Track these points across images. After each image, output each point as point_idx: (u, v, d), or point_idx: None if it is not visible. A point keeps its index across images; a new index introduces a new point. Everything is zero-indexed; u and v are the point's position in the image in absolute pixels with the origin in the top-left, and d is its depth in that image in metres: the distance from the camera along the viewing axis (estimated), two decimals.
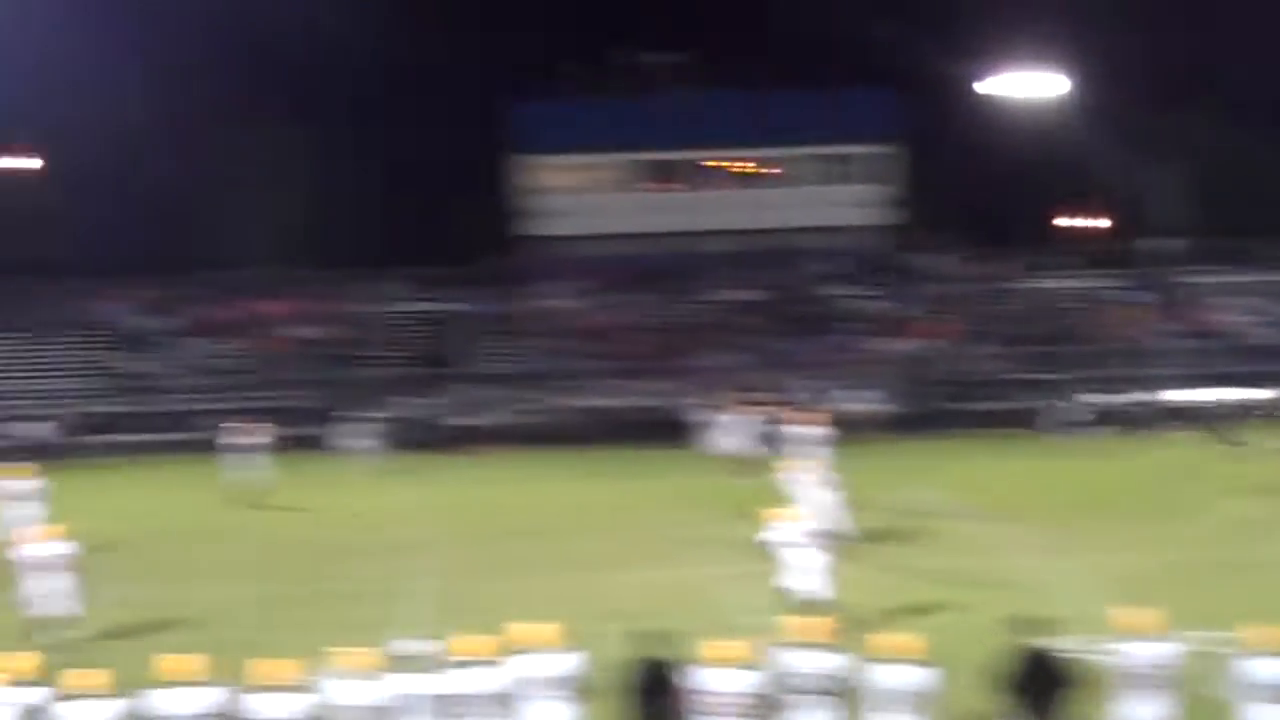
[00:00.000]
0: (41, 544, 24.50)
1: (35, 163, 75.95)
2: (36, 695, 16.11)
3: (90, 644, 24.18)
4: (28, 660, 16.53)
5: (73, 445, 51.72)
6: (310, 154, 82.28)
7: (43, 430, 51.32)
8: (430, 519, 37.50)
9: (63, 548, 24.49)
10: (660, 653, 17.24)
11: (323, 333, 64.33)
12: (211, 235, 76.09)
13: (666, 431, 51.02)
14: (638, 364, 60.15)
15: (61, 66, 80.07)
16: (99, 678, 16.29)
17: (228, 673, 16.86)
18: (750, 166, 71.82)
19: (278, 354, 62.95)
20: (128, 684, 16.43)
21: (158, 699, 16.24)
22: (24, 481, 31.80)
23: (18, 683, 16.18)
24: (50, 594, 24.29)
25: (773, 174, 71.54)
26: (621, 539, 33.75)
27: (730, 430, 44.35)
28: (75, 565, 24.69)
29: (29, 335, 64.90)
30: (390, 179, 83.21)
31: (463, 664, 16.66)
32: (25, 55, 79.38)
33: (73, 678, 16.35)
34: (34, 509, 30.77)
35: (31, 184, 76.87)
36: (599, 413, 54.65)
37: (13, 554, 24.93)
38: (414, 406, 53.75)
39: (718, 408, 46.87)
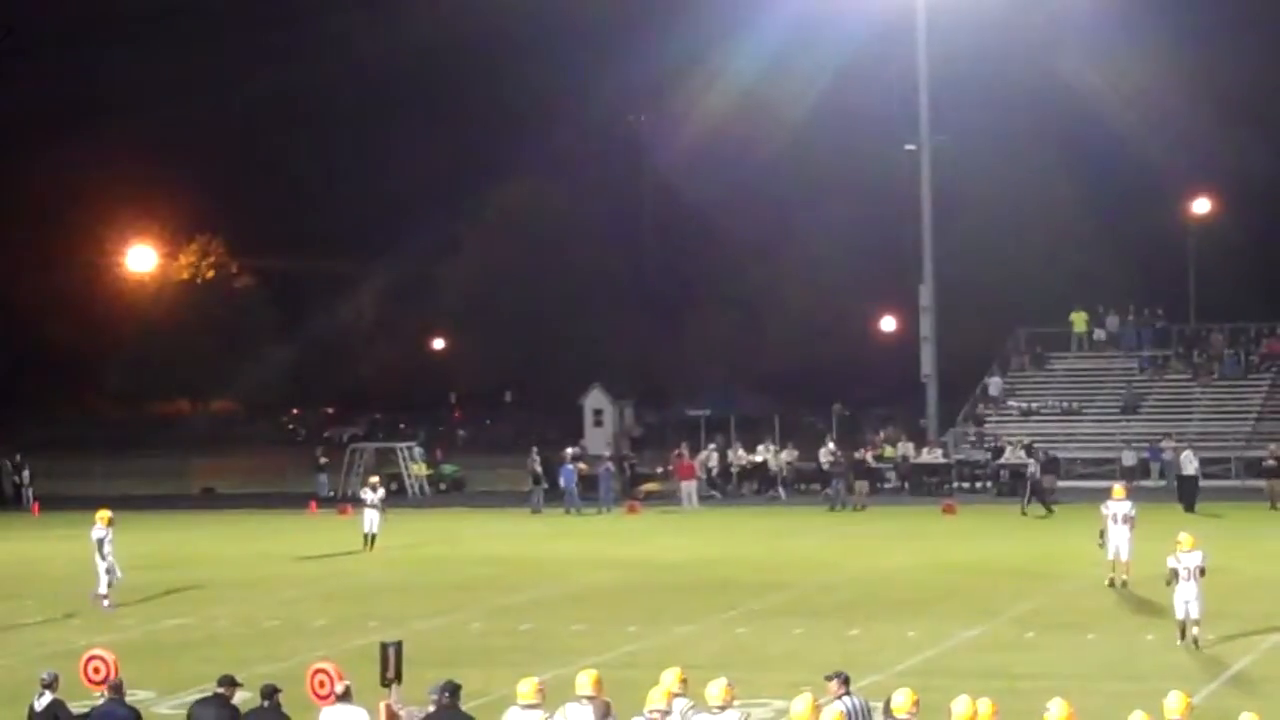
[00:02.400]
0: (1187, 554, 27.18)
1: (1215, 204, 76.19)
2: None
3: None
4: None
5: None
6: None
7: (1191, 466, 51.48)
8: None
9: (1198, 559, 27.16)
10: None
11: None
12: None
13: None
14: None
15: (1239, 107, 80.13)
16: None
17: None
18: None
19: None
20: None
21: None
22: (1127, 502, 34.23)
23: None
24: (1190, 599, 27.04)
25: None
26: None
27: None
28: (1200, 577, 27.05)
29: (1213, 378, 65.10)
30: None
31: None
32: (1202, 102, 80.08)
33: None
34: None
35: (1212, 226, 77.24)
36: None
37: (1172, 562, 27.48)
38: None
39: None
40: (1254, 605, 31.09)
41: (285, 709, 17.55)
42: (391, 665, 18.27)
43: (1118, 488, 35.47)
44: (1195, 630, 27.08)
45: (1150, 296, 71.36)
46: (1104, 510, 34.27)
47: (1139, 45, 79.52)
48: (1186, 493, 50.26)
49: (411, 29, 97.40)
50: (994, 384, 66.74)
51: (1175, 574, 27.16)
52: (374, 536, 44.15)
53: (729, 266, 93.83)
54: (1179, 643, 27.15)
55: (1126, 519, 33.80)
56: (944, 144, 66.30)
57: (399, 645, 18.54)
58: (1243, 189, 78.31)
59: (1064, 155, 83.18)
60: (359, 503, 47.40)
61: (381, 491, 45.73)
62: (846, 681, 17.45)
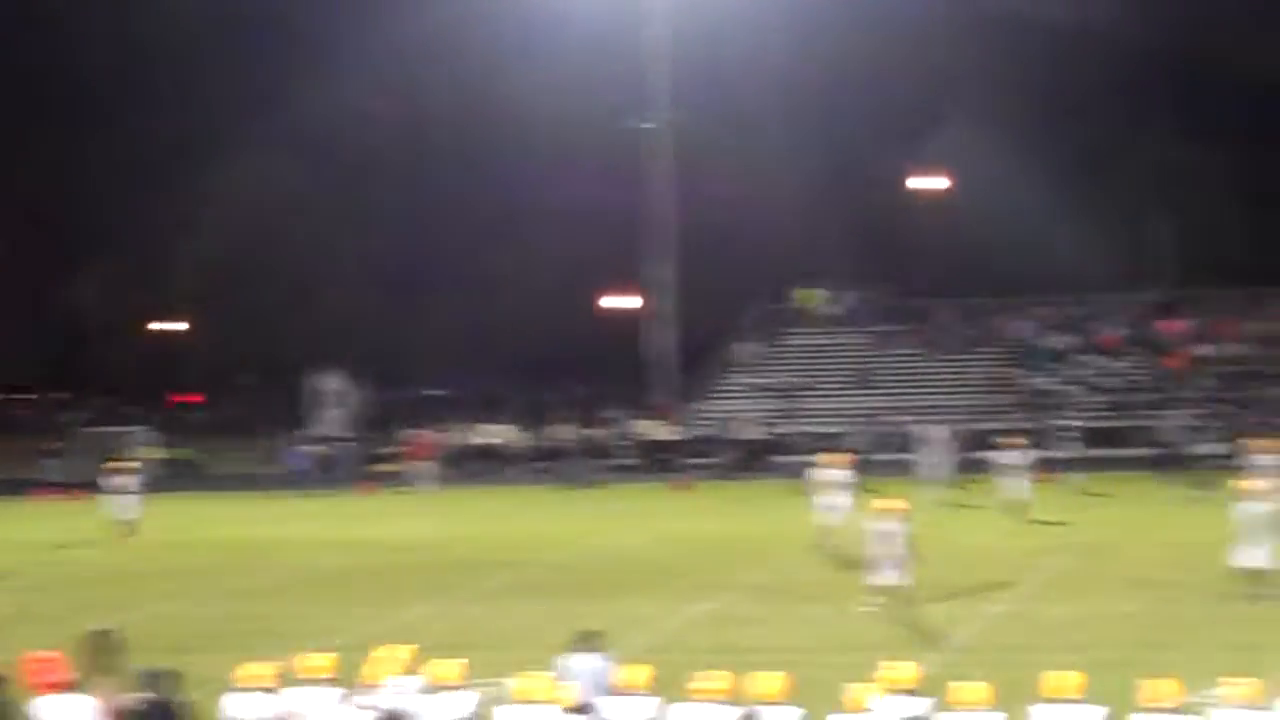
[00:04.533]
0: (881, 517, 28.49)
1: (943, 183, 77.59)
2: (918, 706, 15.73)
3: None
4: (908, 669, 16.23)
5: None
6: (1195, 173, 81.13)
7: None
8: None
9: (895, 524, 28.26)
10: None
11: (1222, 351, 62.63)
12: (1109, 253, 75.98)
13: None
14: None
15: (966, 87, 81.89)
16: (979, 692, 15.73)
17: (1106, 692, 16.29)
18: None
19: (1175, 372, 61.85)
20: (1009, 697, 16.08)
21: (1038, 715, 15.58)
22: (840, 470, 36.44)
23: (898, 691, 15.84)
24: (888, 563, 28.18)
25: None
26: None
27: None
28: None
29: (938, 351, 66.53)
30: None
31: None
32: (932, 77, 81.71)
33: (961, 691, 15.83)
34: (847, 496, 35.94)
35: (940, 205, 78.72)
36: None
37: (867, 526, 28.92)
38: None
39: None
40: (976, 576, 31.86)
41: (15, 699, 17.19)
42: (102, 653, 17.94)
43: (825, 456, 37.65)
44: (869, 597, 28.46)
45: (881, 273, 72.72)
46: (813, 477, 36.39)
47: (864, 25, 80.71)
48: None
49: (142, 5, 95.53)
50: (746, 350, 67.94)
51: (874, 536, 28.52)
52: (133, 523, 43.32)
53: (466, 246, 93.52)
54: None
55: (836, 486, 35.73)
56: (679, 122, 66.92)
57: (111, 632, 18.23)
58: (971, 166, 79.82)
59: (796, 133, 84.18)
60: (98, 489, 46.37)
61: (140, 477, 45.12)
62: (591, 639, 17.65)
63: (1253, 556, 28.16)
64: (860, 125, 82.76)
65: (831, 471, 36.09)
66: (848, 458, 38.46)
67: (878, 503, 29.36)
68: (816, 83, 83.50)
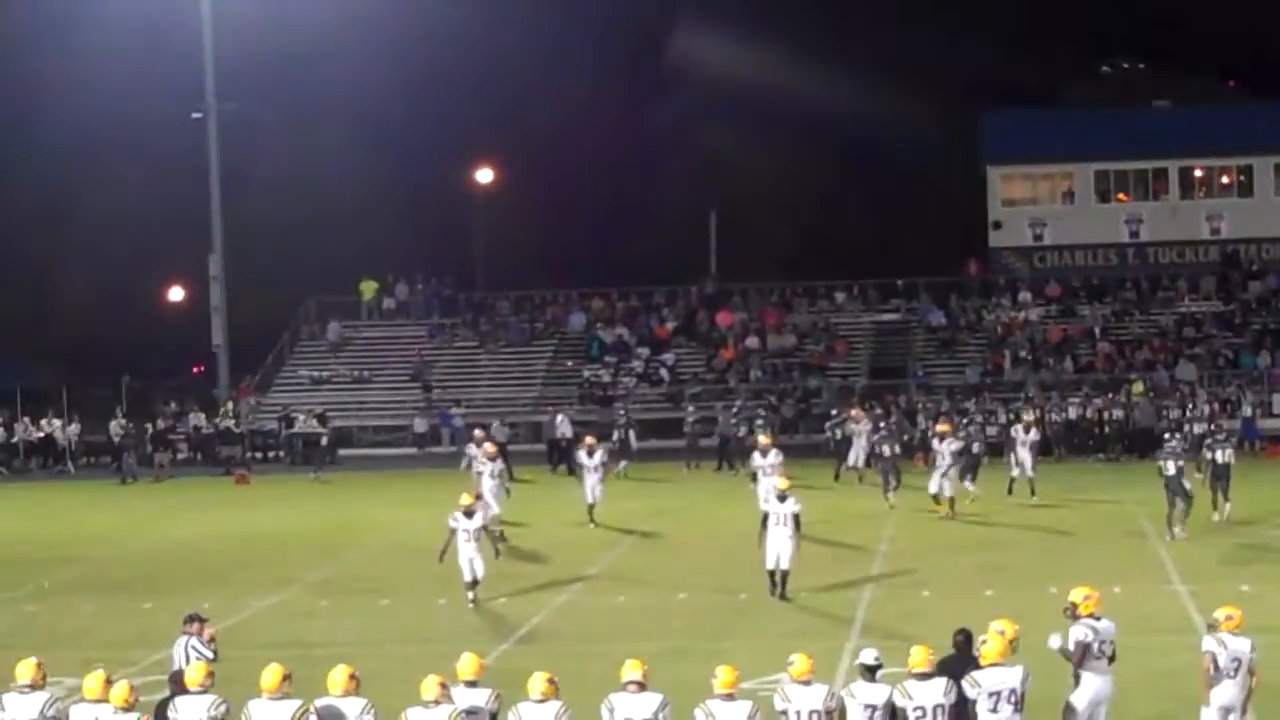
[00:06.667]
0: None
1: (493, 175, 78.13)
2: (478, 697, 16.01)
3: None
4: None
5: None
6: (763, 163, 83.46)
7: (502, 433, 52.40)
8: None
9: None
10: None
11: (774, 344, 64.67)
12: (662, 247, 77.63)
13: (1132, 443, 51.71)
14: (1094, 376, 59.17)
15: (523, 82, 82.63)
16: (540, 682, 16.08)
17: (668, 679, 16.73)
18: (1218, 177, 69.56)
19: (728, 364, 63.57)
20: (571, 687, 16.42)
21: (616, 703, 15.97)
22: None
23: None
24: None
25: (1238, 184, 69.14)
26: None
27: None
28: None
29: (500, 345, 67.00)
30: (853, 187, 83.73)
31: None
32: (487, 70, 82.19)
33: None
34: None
35: (492, 197, 79.21)
36: (1055, 425, 53.03)
37: None
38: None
39: None
40: (541, 568, 32.39)
41: None
42: None
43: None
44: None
45: (438, 265, 72.90)
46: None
47: (422, 16, 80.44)
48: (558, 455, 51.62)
49: None
50: (332, 329, 67.61)
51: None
52: None
53: (6, 239, 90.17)
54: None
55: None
56: (232, 111, 66.20)
57: None
58: (522, 159, 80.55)
59: (354, 123, 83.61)
60: None
61: None
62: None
63: (772, 558, 28.24)
64: (417, 115, 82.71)
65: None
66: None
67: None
68: (374, 73, 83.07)
